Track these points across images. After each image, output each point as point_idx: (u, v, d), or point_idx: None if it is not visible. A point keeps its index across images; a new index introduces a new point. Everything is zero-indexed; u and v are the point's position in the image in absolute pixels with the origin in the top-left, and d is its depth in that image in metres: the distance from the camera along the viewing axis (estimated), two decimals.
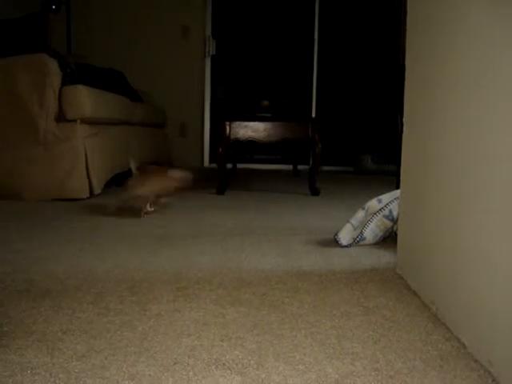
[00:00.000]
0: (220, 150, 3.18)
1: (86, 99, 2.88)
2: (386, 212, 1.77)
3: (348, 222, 1.81)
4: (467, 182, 0.98)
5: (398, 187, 1.70)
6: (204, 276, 1.39)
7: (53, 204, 2.70)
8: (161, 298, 1.21)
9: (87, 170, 2.89)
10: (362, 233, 1.76)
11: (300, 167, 4.79)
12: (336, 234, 1.80)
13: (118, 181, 3.41)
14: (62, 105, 2.86)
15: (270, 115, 3.44)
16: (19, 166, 2.87)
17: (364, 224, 1.77)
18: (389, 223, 1.78)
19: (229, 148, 3.36)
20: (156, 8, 5.45)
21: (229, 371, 0.84)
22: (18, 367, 0.84)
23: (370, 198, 1.84)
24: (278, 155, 5.68)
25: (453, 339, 0.99)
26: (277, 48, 5.78)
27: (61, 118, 2.87)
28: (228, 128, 3.15)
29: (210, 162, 5.67)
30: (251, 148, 5.32)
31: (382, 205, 1.79)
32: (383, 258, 1.63)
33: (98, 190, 2.95)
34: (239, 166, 4.84)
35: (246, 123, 3.19)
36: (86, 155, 2.90)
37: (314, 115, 5.70)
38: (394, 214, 1.75)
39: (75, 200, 2.80)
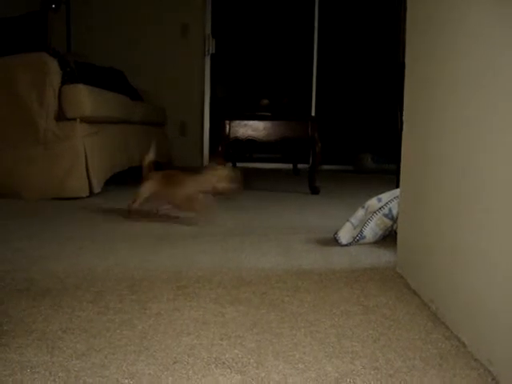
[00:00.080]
0: (220, 148, 3.18)
1: (85, 98, 2.88)
2: (386, 211, 1.77)
3: (348, 220, 1.81)
4: (467, 181, 0.98)
5: (397, 186, 1.70)
6: (204, 275, 1.39)
7: (52, 203, 2.70)
8: (161, 296, 1.21)
9: (87, 169, 2.89)
10: (361, 231, 1.77)
11: (300, 166, 4.79)
12: (336, 233, 1.80)
13: (120, 179, 3.42)
14: (61, 104, 2.86)
15: (269, 114, 3.44)
16: (19, 165, 2.87)
17: (364, 223, 1.77)
18: (388, 222, 1.78)
19: (228, 147, 3.36)
20: (156, 7, 5.45)
21: (228, 370, 0.84)
22: (17, 366, 0.84)
23: (370, 196, 1.84)
24: (278, 154, 5.68)
25: (452, 338, 0.99)
26: (276, 47, 5.78)
27: (61, 116, 2.87)
28: (228, 127, 3.15)
29: (210, 160, 5.67)
30: (251, 147, 5.33)
31: (381, 203, 1.79)
32: (383, 256, 1.63)
33: (97, 189, 2.95)
34: (239, 164, 4.84)
35: (246, 122, 3.19)
36: (85, 154, 2.90)
37: (313, 114, 5.70)
38: (394, 212, 1.75)
39: (75, 199, 2.80)
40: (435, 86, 1.19)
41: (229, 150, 3.64)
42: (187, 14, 5.50)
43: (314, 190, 3.28)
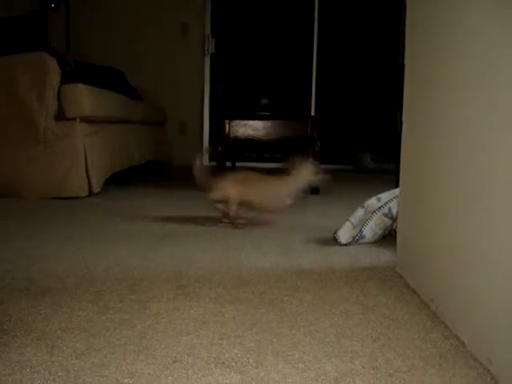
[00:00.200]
0: (219, 148, 3.18)
1: (85, 98, 2.88)
2: (386, 210, 1.77)
3: (347, 220, 1.81)
4: (467, 181, 0.98)
5: (397, 186, 1.70)
6: (204, 274, 1.39)
7: (52, 202, 2.70)
8: (160, 296, 1.21)
9: (86, 168, 2.89)
10: (361, 231, 1.77)
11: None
12: (335, 233, 1.80)
13: (120, 179, 3.42)
14: (61, 103, 2.86)
15: (269, 113, 3.44)
16: (19, 164, 2.87)
17: (363, 222, 1.77)
18: (388, 221, 1.78)
19: (228, 146, 3.36)
20: (156, 7, 5.45)
21: (228, 369, 0.85)
22: (17, 365, 0.84)
23: (370, 196, 1.84)
24: (278, 153, 5.68)
25: (452, 337, 0.99)
26: (276, 46, 5.78)
27: (60, 116, 2.87)
28: (227, 126, 3.15)
29: (210, 160, 5.67)
30: (250, 146, 5.32)
31: (381, 203, 1.79)
32: (382, 256, 1.63)
33: (97, 188, 2.95)
34: (238, 164, 4.84)
35: (246, 121, 3.19)
36: (85, 154, 2.90)
37: (313, 113, 5.70)
38: (394, 212, 1.75)
39: (74, 198, 2.79)
40: (435, 86, 1.19)
41: (228, 149, 3.64)
42: (187, 13, 5.50)
43: (314, 190, 3.27)
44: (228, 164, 3.91)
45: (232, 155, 4.49)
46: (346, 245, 1.76)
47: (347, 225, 1.80)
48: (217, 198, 2.07)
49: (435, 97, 1.19)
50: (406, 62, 1.43)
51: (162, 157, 4.67)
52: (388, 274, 1.42)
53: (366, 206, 1.81)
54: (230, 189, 2.05)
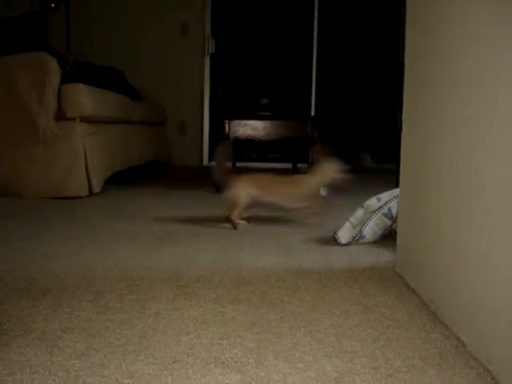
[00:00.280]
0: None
1: (85, 98, 2.88)
2: (385, 210, 1.77)
3: (347, 220, 1.81)
4: (467, 181, 0.98)
5: (397, 186, 1.70)
6: (204, 274, 1.39)
7: (52, 202, 2.70)
8: (160, 296, 1.21)
9: (86, 168, 2.89)
10: (361, 231, 1.77)
11: (299, 165, 4.78)
12: (335, 233, 1.80)
13: (120, 179, 3.42)
14: (61, 103, 2.86)
15: (269, 113, 3.44)
16: (19, 164, 2.87)
17: (363, 222, 1.77)
18: (388, 222, 1.78)
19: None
20: (156, 7, 5.45)
21: (228, 369, 0.85)
22: (17, 365, 0.84)
23: (370, 196, 1.84)
24: (278, 153, 5.68)
25: (452, 337, 0.99)
26: (276, 46, 5.78)
27: (60, 116, 2.87)
28: (227, 126, 3.15)
29: (209, 160, 5.67)
30: (250, 146, 5.32)
31: (381, 203, 1.79)
32: (382, 256, 1.63)
33: (97, 188, 2.95)
34: (238, 164, 4.84)
35: (246, 121, 3.18)
36: (85, 154, 2.90)
37: (313, 113, 5.70)
38: (393, 212, 1.75)
39: (74, 198, 2.79)
40: (435, 85, 1.19)
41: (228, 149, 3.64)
42: (187, 13, 5.50)
43: None
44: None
45: (232, 155, 4.49)
46: (345, 245, 1.76)
47: (347, 225, 1.80)
48: (233, 196, 2.04)
49: (435, 97, 1.19)
50: (406, 61, 1.43)
51: (162, 157, 4.67)
52: (388, 274, 1.42)
53: (365, 206, 1.81)
54: (248, 189, 2.03)
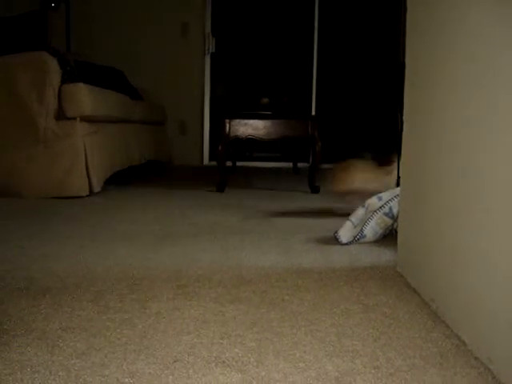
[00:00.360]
0: (219, 147, 3.18)
1: (85, 97, 2.88)
2: (386, 209, 1.77)
3: (348, 219, 1.81)
4: (467, 181, 0.98)
5: (398, 185, 1.70)
6: (204, 274, 1.39)
7: (52, 202, 2.70)
8: (161, 295, 1.21)
9: (87, 168, 2.89)
10: (362, 230, 1.77)
11: (300, 165, 4.79)
12: (336, 232, 1.80)
13: (120, 178, 3.42)
14: (61, 103, 2.86)
15: (269, 113, 3.44)
16: (19, 164, 2.87)
17: (364, 222, 1.77)
18: (389, 221, 1.78)
19: (228, 146, 3.36)
20: (156, 6, 5.44)
21: (228, 369, 0.85)
22: (17, 365, 0.84)
23: (370, 195, 1.84)
24: (278, 153, 5.68)
25: (453, 337, 0.99)
26: (276, 46, 5.78)
27: (60, 115, 2.87)
28: (228, 126, 3.15)
29: (210, 159, 5.67)
30: (251, 146, 5.32)
31: (382, 202, 1.79)
32: (383, 255, 1.63)
33: (97, 188, 2.95)
34: (239, 163, 4.84)
35: (246, 121, 3.18)
36: (85, 153, 2.90)
37: (313, 113, 5.69)
38: (394, 211, 1.75)
39: (75, 198, 2.80)
40: (435, 85, 1.19)
41: (229, 148, 3.64)
42: (187, 13, 5.49)
43: (314, 189, 3.28)
44: (228, 163, 3.90)
45: (232, 155, 4.49)
46: (346, 244, 1.76)
47: (348, 224, 1.80)
48: (345, 188, 2.15)
49: (435, 96, 1.19)
50: (407, 61, 1.43)
51: (162, 156, 4.67)
52: (389, 274, 1.42)
53: (366, 206, 1.81)
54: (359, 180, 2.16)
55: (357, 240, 1.77)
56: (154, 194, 3.16)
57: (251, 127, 3.19)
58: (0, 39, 3.13)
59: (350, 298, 1.21)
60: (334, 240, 1.79)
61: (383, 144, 5.06)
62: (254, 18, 5.77)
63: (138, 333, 0.99)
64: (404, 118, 1.45)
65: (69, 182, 2.84)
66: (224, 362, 0.87)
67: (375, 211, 1.77)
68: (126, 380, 0.80)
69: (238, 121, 3.17)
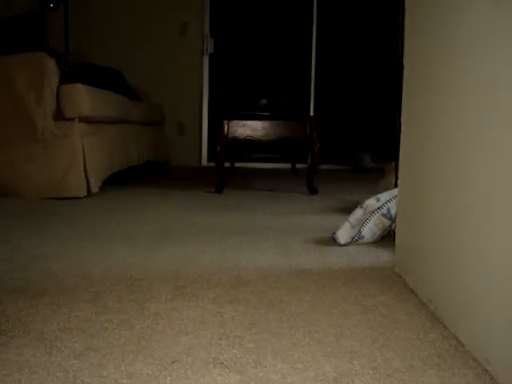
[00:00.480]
0: (218, 148, 3.18)
1: (84, 98, 2.88)
2: (385, 210, 1.77)
3: (346, 220, 1.81)
4: (465, 181, 0.98)
5: (396, 186, 1.70)
6: (202, 274, 1.39)
7: (51, 202, 2.69)
8: (159, 296, 1.21)
9: (85, 168, 2.89)
10: (360, 231, 1.77)
11: (298, 166, 4.79)
12: (334, 233, 1.80)
13: (119, 179, 3.42)
14: (60, 103, 2.86)
15: (268, 114, 3.44)
16: (17, 164, 2.86)
17: (362, 223, 1.77)
18: (387, 222, 1.78)
19: (227, 147, 3.36)
20: (155, 6, 5.44)
21: (227, 370, 0.85)
22: (15, 366, 0.84)
23: (369, 196, 1.84)
24: (277, 154, 5.68)
25: (450, 337, 0.99)
26: (275, 46, 5.78)
27: (59, 116, 2.87)
28: (226, 127, 3.15)
29: (208, 160, 5.67)
30: (249, 147, 5.32)
31: (380, 203, 1.79)
32: (381, 256, 1.63)
33: (95, 188, 2.95)
34: (237, 164, 4.84)
35: (245, 122, 3.18)
36: (83, 154, 2.89)
37: (312, 114, 5.70)
38: (393, 212, 1.75)
39: (73, 199, 2.79)
40: (433, 86, 1.19)
41: (227, 149, 3.64)
42: (186, 13, 5.50)
43: (313, 190, 3.28)
44: (227, 164, 3.90)
45: (231, 155, 4.49)
46: (344, 245, 1.76)
47: (346, 225, 1.80)
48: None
49: (433, 97, 1.19)
50: (405, 62, 1.43)
51: (161, 157, 4.67)
52: (387, 275, 1.43)
53: (364, 206, 1.82)
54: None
55: (355, 241, 1.77)
56: (152, 194, 3.16)
57: (250, 128, 3.19)
58: None
59: (348, 299, 1.21)
60: (332, 241, 1.79)
61: (382, 144, 5.07)
62: (252, 18, 5.78)
63: (136, 334, 0.98)
64: (402, 118, 1.45)
65: (67, 183, 2.84)
66: (222, 362, 0.87)
67: (373, 212, 1.77)
68: (124, 381, 0.80)
69: (236, 122, 3.17)
